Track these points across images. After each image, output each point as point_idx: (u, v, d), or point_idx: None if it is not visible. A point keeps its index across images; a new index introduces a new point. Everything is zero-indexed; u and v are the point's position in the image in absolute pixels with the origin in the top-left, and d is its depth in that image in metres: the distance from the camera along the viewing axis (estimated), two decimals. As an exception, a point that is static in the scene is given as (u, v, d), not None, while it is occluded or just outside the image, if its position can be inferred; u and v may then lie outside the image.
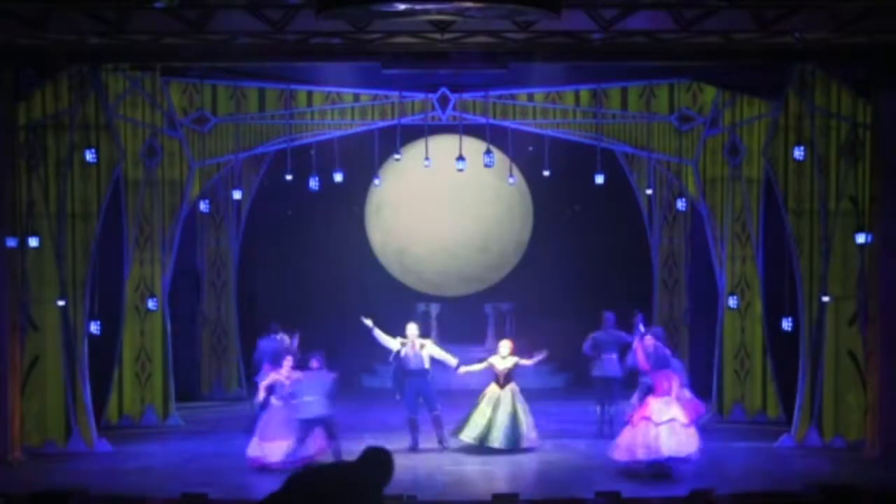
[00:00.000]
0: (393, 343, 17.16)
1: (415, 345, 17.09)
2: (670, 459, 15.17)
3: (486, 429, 16.77)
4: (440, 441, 17.01)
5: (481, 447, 16.71)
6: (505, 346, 17.30)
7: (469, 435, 16.82)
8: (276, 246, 22.36)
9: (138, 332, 18.77)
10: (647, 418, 15.34)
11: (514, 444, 16.76)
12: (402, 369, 17.20)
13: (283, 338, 18.17)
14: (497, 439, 16.75)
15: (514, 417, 16.82)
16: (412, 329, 17.24)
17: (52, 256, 16.97)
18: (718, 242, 18.76)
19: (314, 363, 15.83)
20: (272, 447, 15.74)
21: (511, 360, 17.12)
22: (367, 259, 22.06)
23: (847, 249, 16.86)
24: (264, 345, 17.99)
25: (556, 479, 15.69)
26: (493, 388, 17.06)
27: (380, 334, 17.19)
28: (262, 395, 16.19)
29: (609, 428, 17.50)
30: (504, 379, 17.03)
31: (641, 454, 15.23)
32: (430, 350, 17.18)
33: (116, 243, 18.22)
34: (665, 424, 15.20)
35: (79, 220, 17.24)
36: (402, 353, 17.11)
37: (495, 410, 16.84)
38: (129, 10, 14.17)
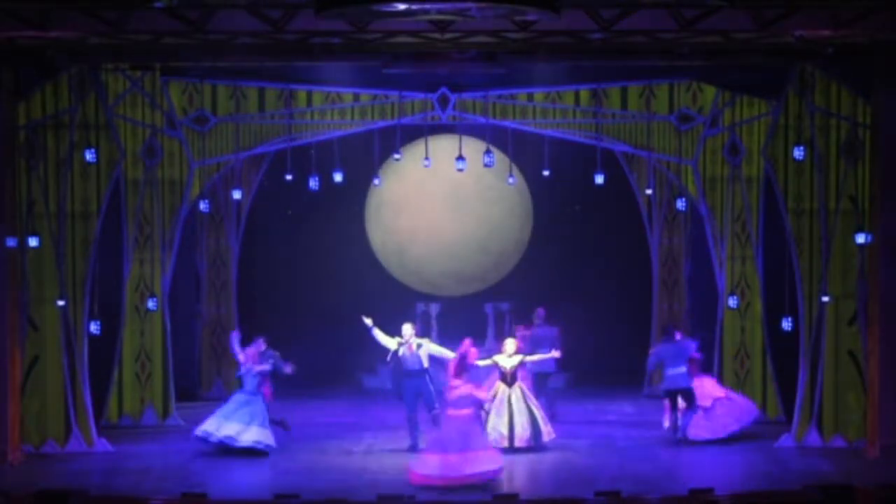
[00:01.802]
0: (391, 343, 17.17)
1: (411, 345, 17.09)
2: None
3: (509, 431, 16.79)
4: (440, 440, 17.01)
5: (508, 450, 16.69)
6: (510, 344, 17.32)
7: (494, 440, 16.80)
8: (276, 246, 22.33)
9: (138, 332, 18.77)
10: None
11: (537, 441, 16.88)
12: (400, 369, 17.22)
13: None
14: (523, 439, 16.81)
15: (531, 414, 16.88)
16: (408, 329, 17.23)
17: (52, 256, 16.96)
18: (718, 242, 18.76)
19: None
20: (446, 460, 14.95)
21: (517, 358, 17.15)
22: (367, 259, 22.02)
23: (847, 249, 16.85)
24: None
25: (556, 479, 15.71)
26: (501, 389, 17.08)
27: (378, 334, 17.20)
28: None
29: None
30: (511, 378, 17.06)
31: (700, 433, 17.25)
32: (427, 349, 17.18)
33: (116, 243, 18.21)
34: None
35: (79, 220, 17.24)
36: (400, 353, 17.11)
37: (511, 411, 16.87)
38: (129, 10, 14.17)
